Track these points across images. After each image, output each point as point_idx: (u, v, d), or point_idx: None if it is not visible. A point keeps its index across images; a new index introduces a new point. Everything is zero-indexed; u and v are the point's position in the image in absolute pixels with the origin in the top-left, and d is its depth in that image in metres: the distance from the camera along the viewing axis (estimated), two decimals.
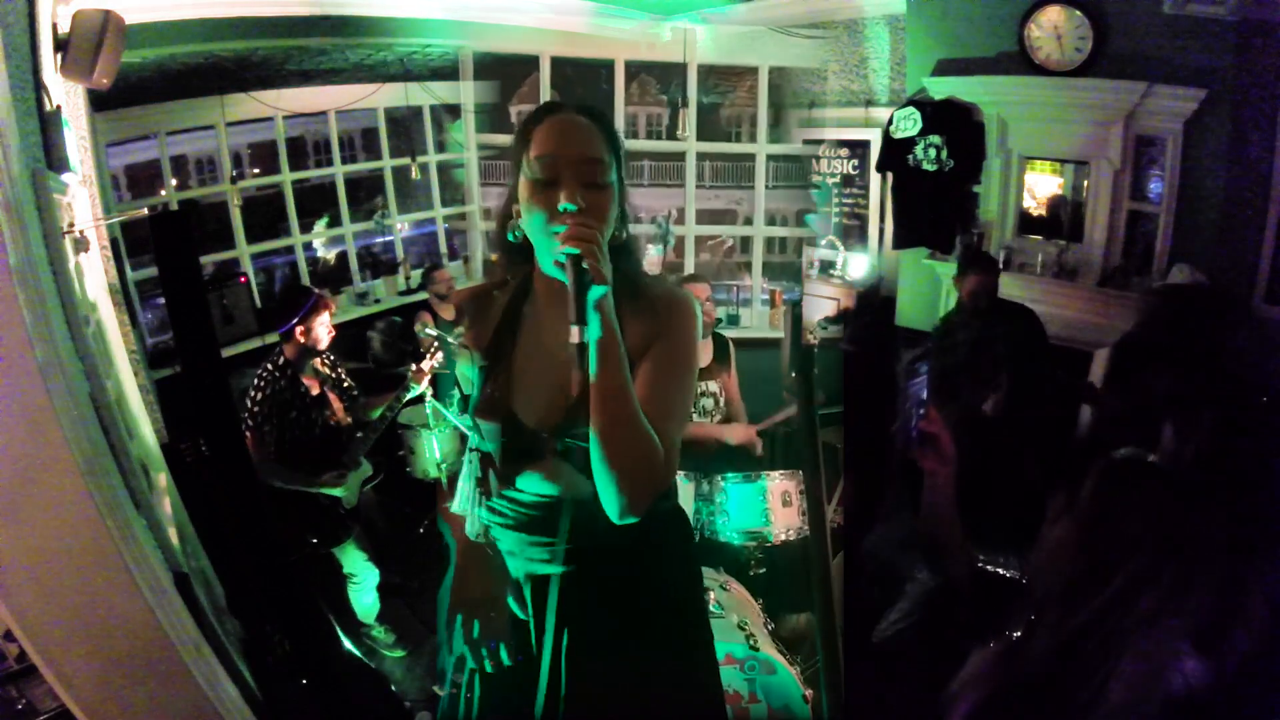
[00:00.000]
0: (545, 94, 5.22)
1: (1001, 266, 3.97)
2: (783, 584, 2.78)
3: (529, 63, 5.11)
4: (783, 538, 2.71)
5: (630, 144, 5.20)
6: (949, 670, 1.43)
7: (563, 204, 1.08)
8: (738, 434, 3.02)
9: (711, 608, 2.26)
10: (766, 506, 2.74)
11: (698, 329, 1.23)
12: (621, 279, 1.14)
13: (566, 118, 1.14)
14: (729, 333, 3.64)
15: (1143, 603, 1.03)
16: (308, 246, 5.27)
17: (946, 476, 1.29)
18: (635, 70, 5.40)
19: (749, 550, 2.78)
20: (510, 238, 1.21)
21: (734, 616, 2.27)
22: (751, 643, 2.16)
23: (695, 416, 3.02)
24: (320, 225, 5.27)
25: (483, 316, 1.27)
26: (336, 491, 2.73)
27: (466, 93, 5.22)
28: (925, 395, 1.27)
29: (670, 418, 1.14)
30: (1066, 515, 1.14)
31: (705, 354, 3.02)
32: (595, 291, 1.05)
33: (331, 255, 5.41)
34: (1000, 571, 1.43)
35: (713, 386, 3.07)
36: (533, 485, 1.22)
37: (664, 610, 1.31)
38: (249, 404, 2.60)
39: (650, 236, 4.95)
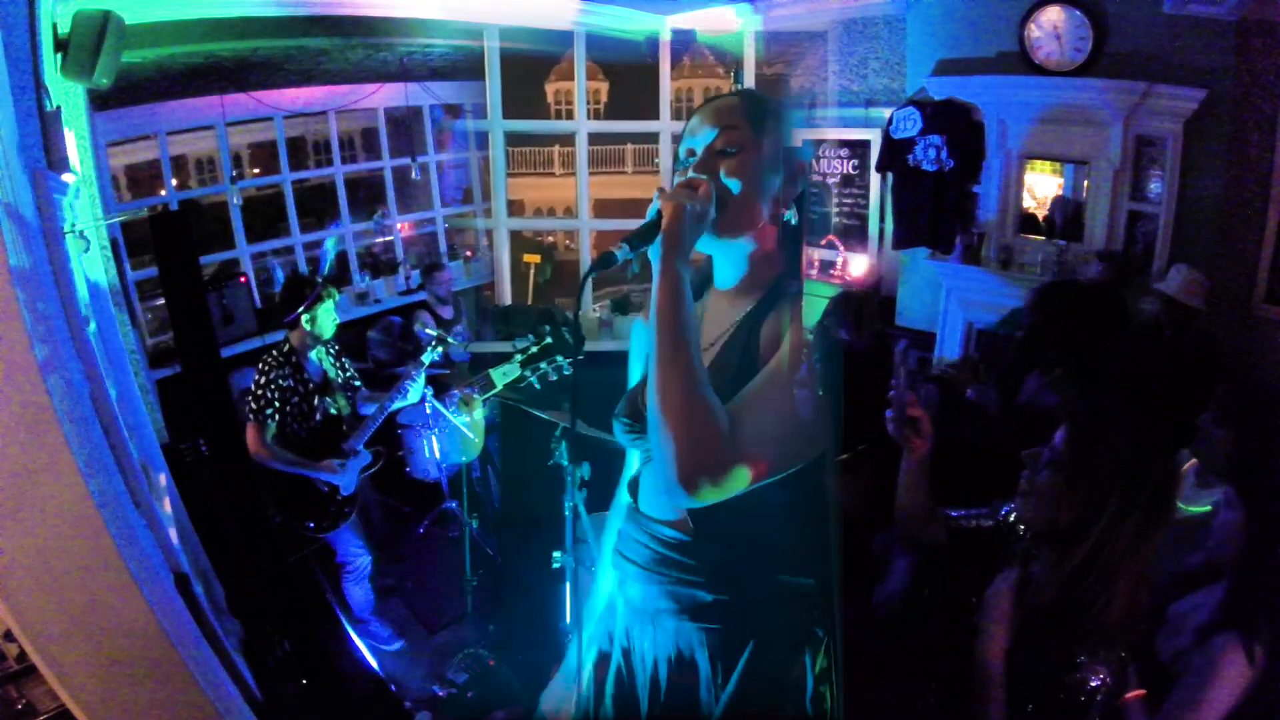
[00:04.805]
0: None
1: (1000, 266, 3.99)
2: None
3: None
4: None
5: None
6: (946, 669, 1.45)
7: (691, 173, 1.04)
8: None
9: None
10: None
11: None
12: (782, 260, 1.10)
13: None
14: None
15: (1123, 535, 1.18)
16: (311, 245, 5.27)
17: (925, 451, 1.44)
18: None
19: None
20: None
21: None
22: None
23: None
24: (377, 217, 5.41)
25: None
26: (335, 478, 2.74)
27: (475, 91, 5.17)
28: (912, 382, 1.41)
29: (754, 413, 0.97)
30: (1049, 466, 1.26)
31: None
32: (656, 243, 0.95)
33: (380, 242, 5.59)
34: (976, 525, 1.56)
35: None
36: (661, 511, 1.12)
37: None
38: (253, 388, 2.62)
39: None
